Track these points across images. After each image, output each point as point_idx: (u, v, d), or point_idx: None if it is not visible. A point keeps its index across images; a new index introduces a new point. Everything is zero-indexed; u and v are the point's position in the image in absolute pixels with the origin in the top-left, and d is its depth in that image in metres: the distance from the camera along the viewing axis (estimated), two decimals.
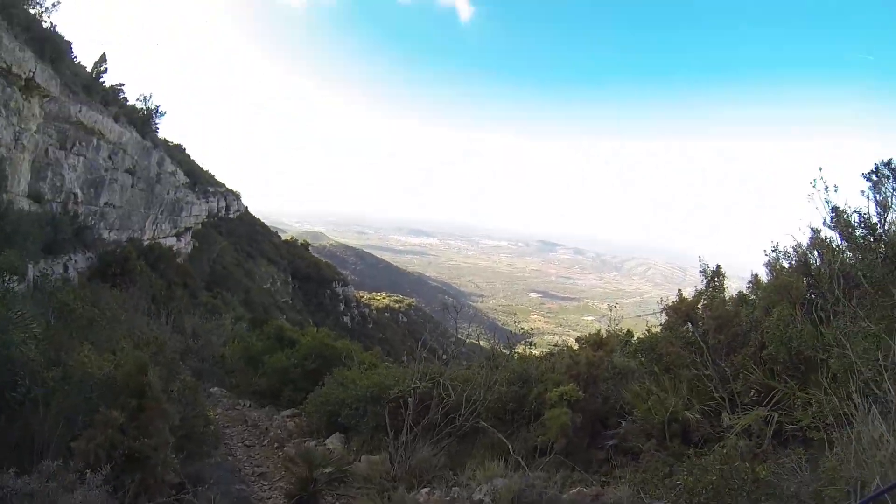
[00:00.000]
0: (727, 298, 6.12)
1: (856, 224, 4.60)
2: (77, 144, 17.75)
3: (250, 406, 9.33)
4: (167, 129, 76.88)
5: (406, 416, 5.84)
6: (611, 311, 9.80)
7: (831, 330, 4.10)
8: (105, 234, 20.96)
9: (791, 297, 4.72)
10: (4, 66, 12.25)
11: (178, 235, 32.12)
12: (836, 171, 5.23)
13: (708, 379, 5.25)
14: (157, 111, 28.18)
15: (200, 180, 40.77)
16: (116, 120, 20.88)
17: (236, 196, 52.79)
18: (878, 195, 4.42)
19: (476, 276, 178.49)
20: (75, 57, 20.48)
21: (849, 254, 4.66)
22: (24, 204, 14.20)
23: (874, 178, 4.46)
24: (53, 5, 16.98)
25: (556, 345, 10.44)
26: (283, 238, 60.61)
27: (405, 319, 62.95)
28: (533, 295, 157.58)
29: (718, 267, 6.79)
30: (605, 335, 8.11)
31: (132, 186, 23.57)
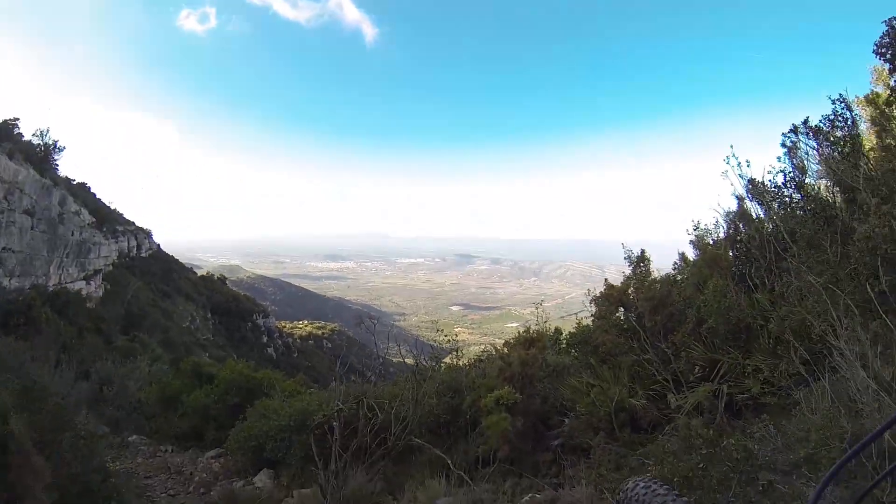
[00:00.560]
0: (656, 279, 6.09)
1: (774, 191, 4.70)
2: None
3: (172, 451, 8.69)
4: (68, 167, 70.44)
5: (333, 441, 5.20)
6: (537, 308, 9.68)
7: (765, 294, 4.05)
8: (5, 282, 19.23)
9: (721, 269, 4.68)
10: None
11: (87, 279, 30.12)
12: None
13: (648, 363, 5.12)
14: (55, 146, 25.58)
15: (108, 219, 39.47)
16: (11, 157, 19.27)
17: (147, 234, 50.96)
18: (794, 160, 4.53)
19: (396, 295, 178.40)
20: None
21: (768, 224, 4.73)
22: None
23: (789, 142, 4.57)
24: None
25: (483, 351, 10.23)
26: (200, 274, 60.15)
27: (329, 345, 63.50)
28: (454, 308, 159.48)
29: (643, 251, 6.81)
30: (535, 333, 7.91)
31: (32, 228, 21.57)
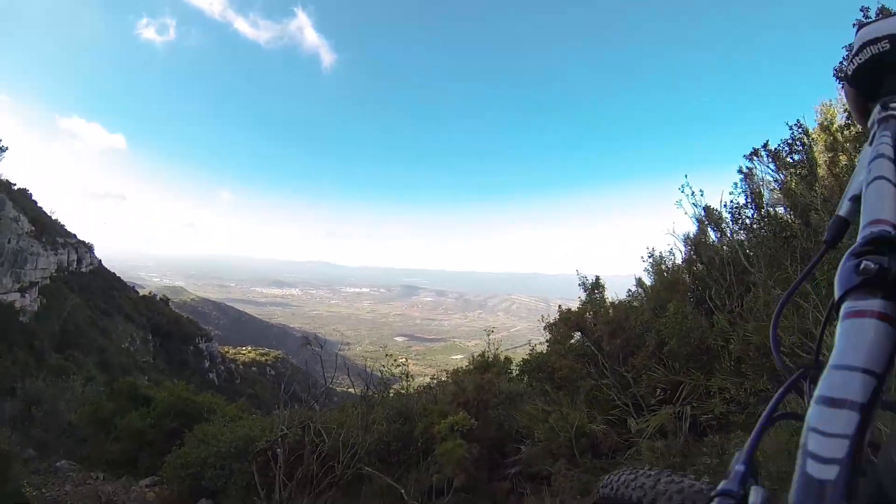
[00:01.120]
0: (614, 303, 6.12)
1: (733, 213, 4.88)
2: None
3: (104, 478, 8.08)
4: (9, 170, 65.53)
5: (277, 469, 4.75)
6: (489, 335, 9.60)
7: (725, 316, 4.11)
8: None
9: (680, 293, 4.74)
10: None
11: (21, 291, 28.33)
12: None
13: (608, 388, 5.05)
14: None
15: (48, 230, 37.31)
16: None
17: (88, 248, 48.18)
18: (751, 185, 4.73)
19: (340, 325, 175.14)
20: None
21: (725, 247, 4.88)
22: None
23: (745, 168, 4.78)
24: None
25: (434, 377, 10.02)
26: (142, 293, 57.86)
27: (273, 372, 61.69)
28: (399, 339, 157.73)
29: (597, 278, 6.87)
30: (490, 357, 7.77)
31: None
